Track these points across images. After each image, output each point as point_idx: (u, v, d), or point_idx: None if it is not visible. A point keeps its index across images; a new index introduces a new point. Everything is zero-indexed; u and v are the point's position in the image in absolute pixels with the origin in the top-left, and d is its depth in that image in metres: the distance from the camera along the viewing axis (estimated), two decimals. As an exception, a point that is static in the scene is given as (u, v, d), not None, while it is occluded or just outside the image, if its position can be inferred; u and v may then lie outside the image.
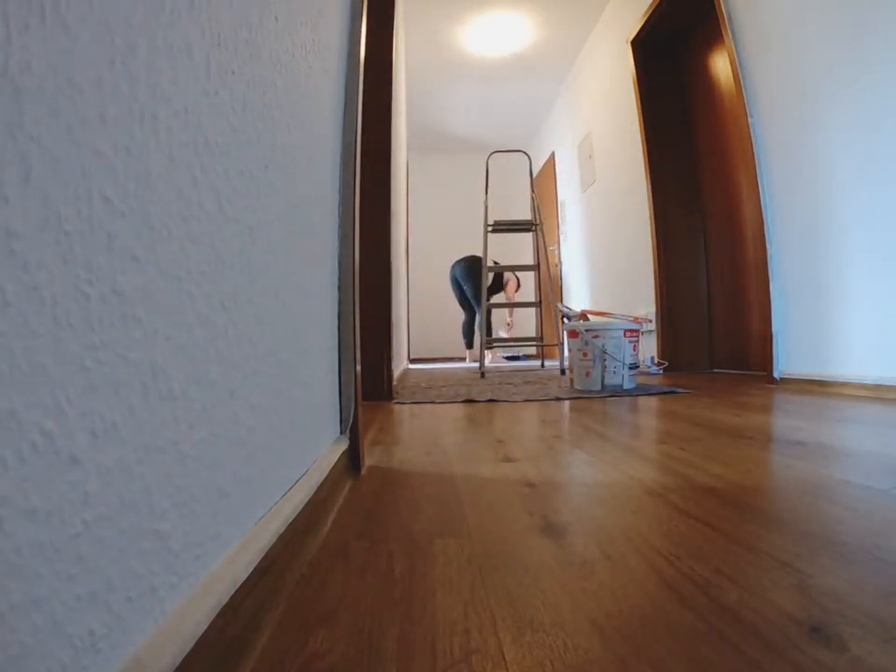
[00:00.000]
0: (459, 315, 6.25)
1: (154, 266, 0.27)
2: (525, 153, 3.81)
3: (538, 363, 4.65)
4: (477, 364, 4.64)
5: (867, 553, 0.48)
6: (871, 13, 1.59)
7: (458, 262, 4.76)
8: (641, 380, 2.48)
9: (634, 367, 2.11)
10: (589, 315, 2.96)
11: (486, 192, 3.53)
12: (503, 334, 5.10)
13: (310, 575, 0.48)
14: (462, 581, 0.46)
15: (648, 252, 3.17)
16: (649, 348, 3.15)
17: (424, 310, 6.17)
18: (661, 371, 2.95)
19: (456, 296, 4.92)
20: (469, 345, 5.06)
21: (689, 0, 2.72)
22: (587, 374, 2.09)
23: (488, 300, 4.18)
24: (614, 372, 2.06)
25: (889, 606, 0.38)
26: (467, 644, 0.36)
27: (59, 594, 0.20)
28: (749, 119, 2.18)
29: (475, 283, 4.42)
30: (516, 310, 5.98)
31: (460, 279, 4.72)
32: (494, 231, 3.47)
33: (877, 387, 1.62)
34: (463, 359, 5.73)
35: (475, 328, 4.96)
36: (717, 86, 2.82)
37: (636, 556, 0.49)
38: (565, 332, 2.39)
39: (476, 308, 4.69)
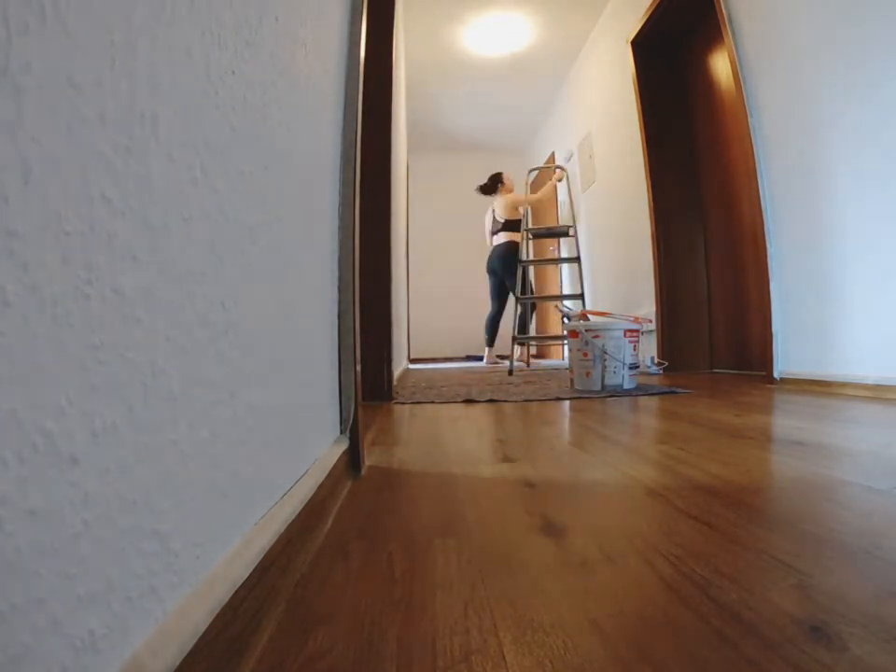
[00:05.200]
0: (458, 315, 6.22)
1: (154, 266, 0.27)
2: (563, 169, 4.12)
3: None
4: (496, 364, 4.42)
5: (867, 553, 0.48)
6: (871, 13, 1.59)
7: (498, 246, 4.36)
8: (641, 380, 2.48)
9: (634, 367, 2.11)
10: (589, 315, 2.96)
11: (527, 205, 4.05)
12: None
13: (310, 575, 0.48)
14: (462, 581, 0.46)
15: (648, 252, 3.17)
16: (649, 348, 3.14)
17: (424, 310, 6.17)
18: (661, 371, 2.95)
19: (492, 283, 4.53)
20: (491, 343, 4.55)
21: (689, 0, 2.72)
22: (587, 374, 2.09)
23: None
24: (614, 372, 2.06)
25: (889, 606, 0.38)
26: (467, 644, 0.36)
27: (59, 594, 0.20)
28: (749, 119, 2.17)
29: (513, 271, 3.88)
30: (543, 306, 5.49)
31: (497, 266, 4.34)
32: (535, 237, 3.97)
33: (878, 387, 1.62)
34: (480, 358, 5.15)
35: (523, 321, 4.20)
36: (717, 86, 2.81)
37: (636, 556, 0.49)
38: (564, 333, 2.39)
39: (511, 293, 4.18)
